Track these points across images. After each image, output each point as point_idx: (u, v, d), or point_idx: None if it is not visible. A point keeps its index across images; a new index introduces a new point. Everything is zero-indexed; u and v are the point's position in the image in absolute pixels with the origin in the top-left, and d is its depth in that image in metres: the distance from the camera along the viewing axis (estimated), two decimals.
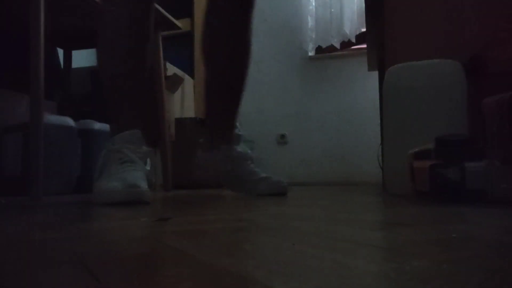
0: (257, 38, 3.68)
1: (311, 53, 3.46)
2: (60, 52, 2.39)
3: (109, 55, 1.20)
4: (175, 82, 2.49)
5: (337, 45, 3.34)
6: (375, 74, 2.47)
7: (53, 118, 1.74)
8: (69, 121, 1.83)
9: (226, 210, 0.90)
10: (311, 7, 3.40)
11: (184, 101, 2.78)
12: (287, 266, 0.33)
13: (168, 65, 2.39)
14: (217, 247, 0.43)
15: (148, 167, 1.16)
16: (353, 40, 3.31)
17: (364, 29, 3.03)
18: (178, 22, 2.21)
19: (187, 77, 2.80)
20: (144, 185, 1.06)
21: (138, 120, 1.19)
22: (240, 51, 1.39)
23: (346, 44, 3.34)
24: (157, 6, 1.97)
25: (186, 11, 3.18)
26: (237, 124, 1.47)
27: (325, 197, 1.32)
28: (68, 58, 2.38)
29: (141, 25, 1.20)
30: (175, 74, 2.46)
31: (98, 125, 1.98)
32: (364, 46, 2.79)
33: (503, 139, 1.01)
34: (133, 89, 1.21)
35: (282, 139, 3.42)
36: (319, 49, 3.45)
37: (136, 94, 1.22)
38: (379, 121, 1.88)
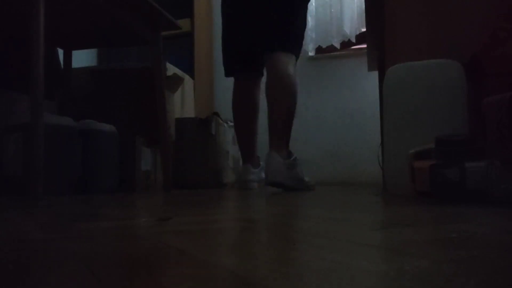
0: None
1: (311, 53, 3.46)
2: (60, 52, 2.38)
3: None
4: (175, 82, 2.49)
5: (337, 45, 3.33)
6: (375, 74, 2.47)
7: (53, 118, 1.74)
8: (69, 121, 1.83)
9: (226, 210, 0.90)
10: (311, 7, 3.40)
11: (184, 101, 2.78)
12: (287, 266, 0.34)
13: (168, 65, 2.39)
14: (217, 247, 0.43)
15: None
16: (353, 40, 3.30)
17: (364, 29, 3.03)
18: (178, 22, 2.21)
19: (187, 77, 2.80)
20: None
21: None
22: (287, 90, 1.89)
23: (346, 44, 3.34)
24: (157, 6, 1.97)
25: (186, 11, 3.18)
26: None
27: (325, 197, 1.32)
28: (68, 58, 2.38)
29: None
30: (175, 74, 2.46)
31: (98, 125, 1.98)
32: (364, 46, 2.78)
33: (503, 139, 1.01)
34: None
35: None
36: (319, 49, 3.44)
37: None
38: (379, 121, 1.87)
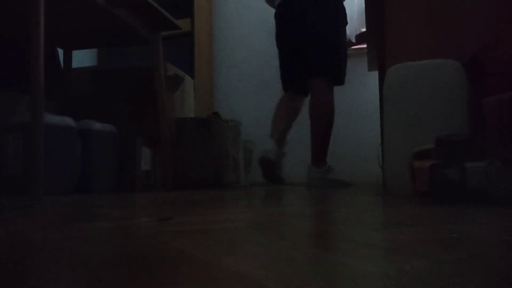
0: (258, 37, 3.68)
1: None
2: (60, 52, 2.38)
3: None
4: (175, 82, 2.49)
5: None
6: (375, 74, 2.47)
7: (53, 118, 1.74)
8: (69, 121, 1.82)
9: (226, 210, 0.90)
10: None
11: (184, 101, 2.78)
12: (287, 266, 0.34)
13: (168, 65, 2.39)
14: (217, 247, 0.43)
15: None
16: (353, 40, 3.30)
17: (364, 29, 3.03)
18: (178, 22, 2.21)
19: (187, 77, 2.80)
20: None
21: None
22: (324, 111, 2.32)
23: None
24: (157, 6, 1.97)
25: (186, 11, 3.18)
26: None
27: (325, 197, 1.32)
28: (68, 58, 2.38)
29: None
30: (175, 74, 2.46)
31: (98, 125, 1.98)
32: (364, 46, 2.78)
33: (503, 139, 1.01)
34: None
35: None
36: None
37: None
38: (379, 121, 1.87)
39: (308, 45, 2.28)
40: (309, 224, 0.61)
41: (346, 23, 2.37)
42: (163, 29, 2.19)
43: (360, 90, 3.32)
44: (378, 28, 1.68)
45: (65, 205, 1.12)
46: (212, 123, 2.55)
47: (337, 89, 3.40)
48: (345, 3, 2.77)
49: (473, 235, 0.49)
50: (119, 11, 1.82)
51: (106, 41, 2.39)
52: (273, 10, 2.80)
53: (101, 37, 2.25)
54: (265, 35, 3.56)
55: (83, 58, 2.92)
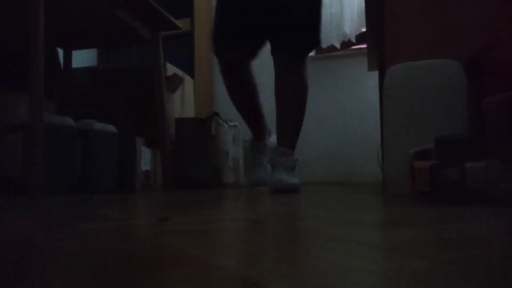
0: None
1: (311, 53, 3.46)
2: (60, 52, 2.38)
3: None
4: (175, 82, 2.49)
5: (337, 45, 3.33)
6: (375, 74, 2.47)
7: (53, 118, 1.73)
8: (69, 121, 1.82)
9: (226, 210, 0.90)
10: None
11: (184, 101, 2.78)
12: (287, 266, 0.33)
13: (168, 65, 2.39)
14: (217, 247, 0.43)
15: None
16: (353, 40, 3.30)
17: (364, 29, 3.03)
18: (178, 22, 2.21)
19: (187, 77, 2.80)
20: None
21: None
22: (295, 92, 2.06)
23: (346, 44, 3.34)
24: (157, 6, 1.97)
25: (186, 11, 3.17)
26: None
27: (325, 197, 1.32)
28: (68, 58, 2.38)
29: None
30: (175, 74, 2.46)
31: (98, 125, 1.98)
32: (364, 46, 2.78)
33: (503, 139, 1.00)
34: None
35: None
36: (319, 49, 3.44)
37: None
38: (379, 121, 1.87)
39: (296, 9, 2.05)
40: (308, 224, 0.61)
41: None
42: (163, 29, 2.19)
43: (360, 90, 3.32)
44: (378, 28, 1.67)
45: (65, 205, 1.12)
46: (212, 123, 2.55)
47: (337, 89, 3.40)
48: (345, 3, 2.71)
49: (473, 235, 0.49)
50: (119, 11, 1.82)
51: (106, 41, 2.39)
52: None
53: (101, 37, 2.25)
54: None
55: (83, 58, 2.91)
